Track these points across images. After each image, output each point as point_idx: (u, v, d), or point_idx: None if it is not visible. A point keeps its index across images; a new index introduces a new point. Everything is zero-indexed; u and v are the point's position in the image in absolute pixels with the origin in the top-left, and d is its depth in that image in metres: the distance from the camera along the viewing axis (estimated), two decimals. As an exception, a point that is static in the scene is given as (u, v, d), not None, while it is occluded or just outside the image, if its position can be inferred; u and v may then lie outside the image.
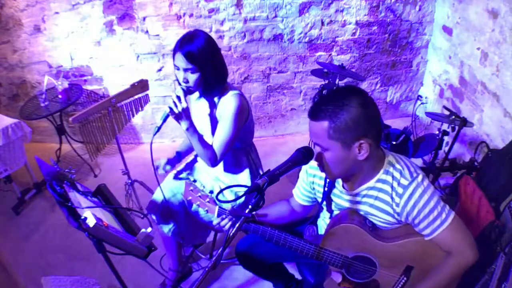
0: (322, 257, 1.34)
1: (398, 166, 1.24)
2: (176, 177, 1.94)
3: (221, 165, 1.90)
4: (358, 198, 1.32)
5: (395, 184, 1.23)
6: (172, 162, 1.93)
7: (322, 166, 1.24)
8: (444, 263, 1.24)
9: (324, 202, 1.44)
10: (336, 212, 1.42)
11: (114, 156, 3.24)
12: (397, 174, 1.23)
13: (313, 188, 1.47)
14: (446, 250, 1.24)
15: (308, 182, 1.47)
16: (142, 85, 2.28)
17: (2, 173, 2.54)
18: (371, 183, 1.26)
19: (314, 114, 1.17)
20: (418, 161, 2.89)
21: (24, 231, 2.59)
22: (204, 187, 1.34)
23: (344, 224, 1.31)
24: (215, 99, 1.75)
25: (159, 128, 1.61)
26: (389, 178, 1.24)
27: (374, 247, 1.30)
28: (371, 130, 1.16)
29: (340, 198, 1.38)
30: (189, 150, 2.03)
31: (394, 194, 1.23)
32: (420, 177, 1.22)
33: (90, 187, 1.64)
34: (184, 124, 1.62)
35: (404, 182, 1.21)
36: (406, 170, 1.23)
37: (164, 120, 1.61)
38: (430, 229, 1.21)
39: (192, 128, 1.64)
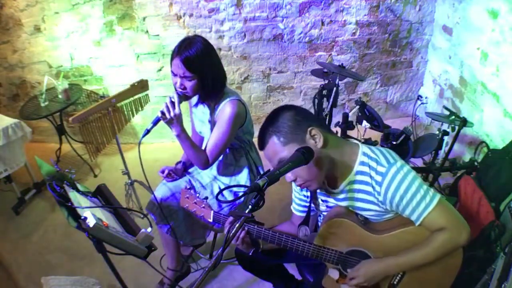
0: (318, 254, 1.34)
1: (372, 155, 1.24)
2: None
3: (220, 164, 1.91)
4: (343, 195, 1.32)
5: (373, 173, 1.22)
6: (179, 172, 1.94)
7: (301, 185, 1.27)
8: (434, 236, 1.19)
9: (313, 205, 1.45)
10: (325, 213, 1.43)
11: (114, 156, 3.24)
12: (373, 163, 1.22)
13: (304, 195, 1.49)
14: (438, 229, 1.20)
15: (298, 189, 1.49)
16: (142, 85, 2.28)
17: (2, 173, 2.54)
18: (351, 176, 1.26)
19: (262, 143, 1.25)
20: (418, 161, 2.89)
21: (24, 231, 2.59)
22: (204, 187, 1.33)
23: (334, 219, 1.31)
24: (214, 105, 1.75)
25: (148, 131, 1.60)
26: (366, 169, 1.23)
27: (368, 240, 1.30)
28: (309, 118, 1.24)
29: (327, 197, 1.39)
30: None
31: (374, 183, 1.22)
32: (398, 163, 1.20)
33: (90, 187, 1.64)
34: (174, 130, 1.62)
35: (381, 169, 1.20)
36: (382, 157, 1.22)
37: (154, 124, 1.60)
38: (416, 214, 1.19)
39: (183, 134, 1.64)
